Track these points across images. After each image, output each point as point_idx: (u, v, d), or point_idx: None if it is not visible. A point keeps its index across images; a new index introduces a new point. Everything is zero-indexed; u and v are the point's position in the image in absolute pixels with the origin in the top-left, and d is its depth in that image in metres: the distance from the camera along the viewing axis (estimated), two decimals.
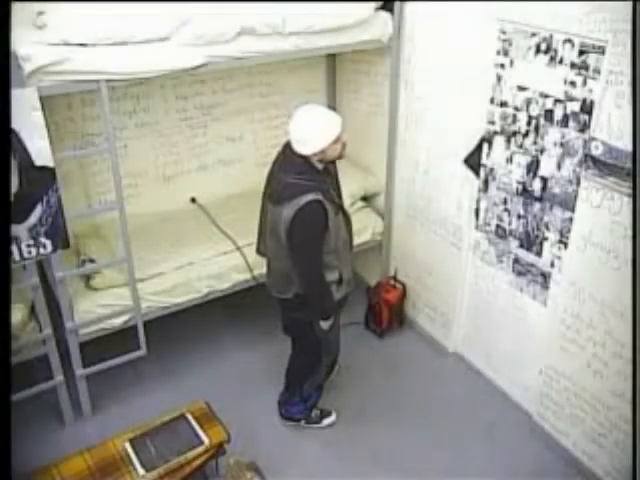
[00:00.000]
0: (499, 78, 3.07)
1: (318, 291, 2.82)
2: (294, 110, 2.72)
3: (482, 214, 3.41)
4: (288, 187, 2.66)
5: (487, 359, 3.65)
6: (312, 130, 2.64)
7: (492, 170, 3.26)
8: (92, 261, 3.29)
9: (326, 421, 3.38)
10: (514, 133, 3.09)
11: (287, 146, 2.75)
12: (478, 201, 3.40)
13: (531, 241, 3.16)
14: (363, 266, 4.38)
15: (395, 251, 4.09)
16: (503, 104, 3.09)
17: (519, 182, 3.13)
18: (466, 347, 3.79)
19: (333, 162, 2.85)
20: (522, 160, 3.08)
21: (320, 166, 2.73)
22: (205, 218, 3.89)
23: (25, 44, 2.57)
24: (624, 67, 2.40)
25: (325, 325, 2.92)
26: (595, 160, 2.63)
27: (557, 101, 2.82)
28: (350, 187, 3.99)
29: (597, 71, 2.59)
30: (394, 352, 3.91)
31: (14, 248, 2.72)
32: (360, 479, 3.07)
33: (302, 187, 2.64)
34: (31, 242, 2.76)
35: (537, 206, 3.07)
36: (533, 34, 2.84)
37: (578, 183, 2.78)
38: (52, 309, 3.15)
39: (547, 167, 2.97)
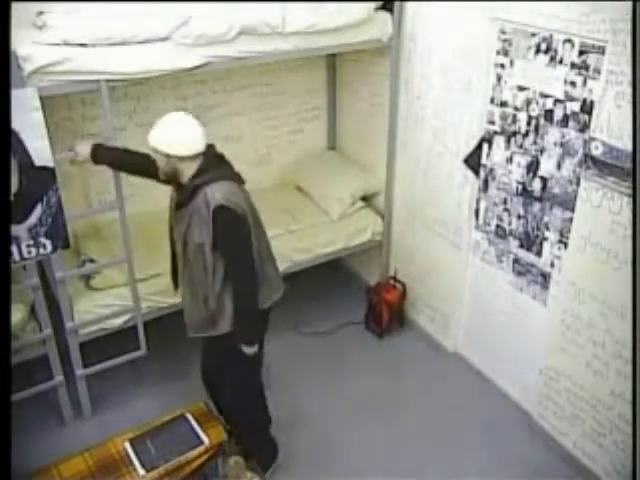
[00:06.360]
0: (499, 78, 3.07)
1: None
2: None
3: (482, 214, 3.41)
4: None
5: (487, 359, 3.65)
6: None
7: (492, 170, 3.26)
8: (92, 261, 3.29)
9: None
10: (514, 133, 3.09)
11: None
12: (478, 201, 3.40)
13: (531, 241, 3.16)
14: (363, 266, 4.38)
15: (395, 251, 4.09)
16: (503, 104, 3.10)
17: (519, 182, 3.13)
18: (466, 347, 3.79)
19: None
20: (522, 160, 3.08)
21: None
22: None
23: (25, 44, 2.58)
24: (624, 67, 2.40)
25: None
26: (595, 160, 2.63)
27: (557, 101, 2.83)
28: (350, 187, 4.00)
29: (597, 71, 2.59)
30: (394, 352, 3.91)
31: (14, 248, 2.72)
32: (360, 479, 3.07)
33: None
34: (31, 242, 2.76)
35: (537, 206, 3.07)
36: (533, 34, 2.84)
37: (578, 183, 2.78)
38: (52, 309, 3.15)
39: (547, 167, 2.97)
